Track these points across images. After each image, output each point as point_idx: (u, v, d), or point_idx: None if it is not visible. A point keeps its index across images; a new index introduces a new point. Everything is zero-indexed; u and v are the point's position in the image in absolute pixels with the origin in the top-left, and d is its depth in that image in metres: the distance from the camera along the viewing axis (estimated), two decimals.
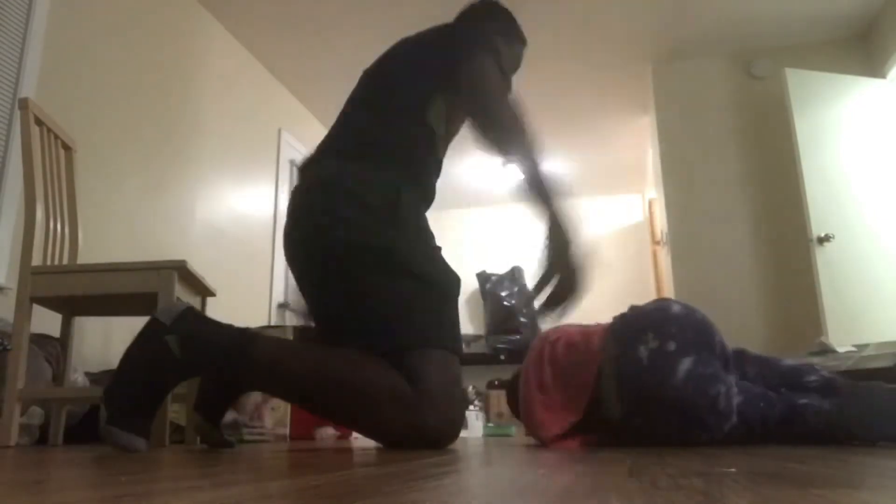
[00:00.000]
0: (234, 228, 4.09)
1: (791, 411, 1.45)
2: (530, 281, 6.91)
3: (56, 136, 2.16)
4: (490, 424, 3.93)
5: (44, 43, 2.74)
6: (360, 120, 1.63)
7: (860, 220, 3.65)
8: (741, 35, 4.26)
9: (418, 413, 1.34)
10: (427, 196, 1.66)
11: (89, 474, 0.75)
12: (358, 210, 1.48)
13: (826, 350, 2.25)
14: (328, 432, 3.01)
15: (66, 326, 2.19)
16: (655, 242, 6.10)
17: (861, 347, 2.25)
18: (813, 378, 1.53)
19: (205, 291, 2.19)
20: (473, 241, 7.30)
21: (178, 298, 1.89)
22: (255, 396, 2.74)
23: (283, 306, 4.57)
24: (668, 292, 4.46)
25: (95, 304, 2.07)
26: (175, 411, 2.35)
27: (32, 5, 2.68)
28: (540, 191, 1.45)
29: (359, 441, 2.58)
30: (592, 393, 1.53)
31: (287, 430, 2.83)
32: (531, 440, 2.10)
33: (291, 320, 4.56)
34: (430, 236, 1.59)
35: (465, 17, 1.84)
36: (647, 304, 1.61)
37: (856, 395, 1.37)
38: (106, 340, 2.96)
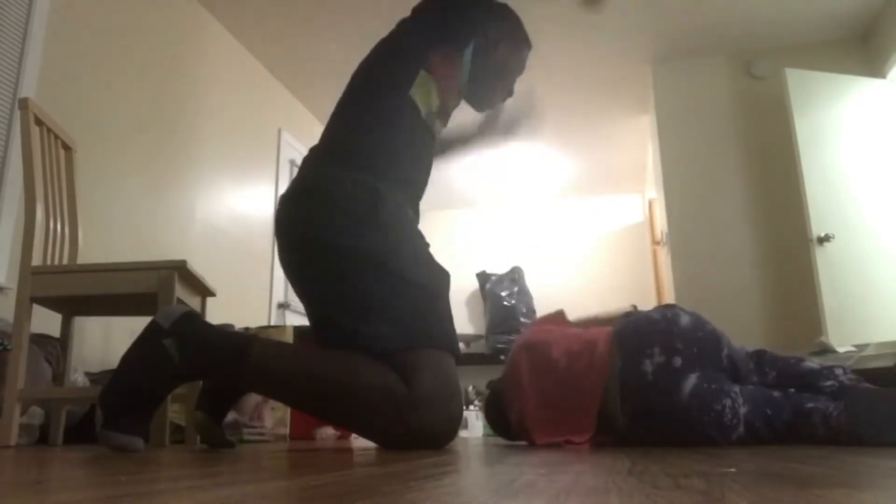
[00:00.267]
0: (234, 228, 4.09)
1: (798, 415, 1.45)
2: (530, 281, 6.91)
3: (56, 136, 2.16)
4: None
5: (44, 43, 2.74)
6: (336, 123, 1.64)
7: (860, 220, 3.65)
8: (741, 35, 4.26)
9: (414, 413, 1.34)
10: (411, 192, 1.64)
11: (89, 474, 0.75)
12: (339, 215, 1.48)
13: (826, 350, 2.25)
14: (328, 432, 3.01)
15: (66, 326, 2.19)
16: (655, 242, 6.10)
17: (861, 347, 2.25)
18: (829, 383, 1.52)
19: (205, 291, 2.19)
20: (473, 241, 7.30)
21: (178, 299, 1.89)
22: (255, 397, 2.74)
23: (283, 306, 4.57)
24: (668, 292, 4.46)
25: (95, 304, 2.07)
26: (175, 411, 2.35)
27: (32, 5, 2.68)
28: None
29: (359, 441, 2.58)
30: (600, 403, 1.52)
31: (287, 430, 2.83)
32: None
33: (291, 320, 4.57)
34: (414, 234, 1.58)
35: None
36: (655, 312, 1.59)
37: (864, 398, 1.36)
38: (106, 340, 2.96)
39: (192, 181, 3.69)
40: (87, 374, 2.57)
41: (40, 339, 2.20)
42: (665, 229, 4.40)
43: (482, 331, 6.75)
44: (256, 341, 1.40)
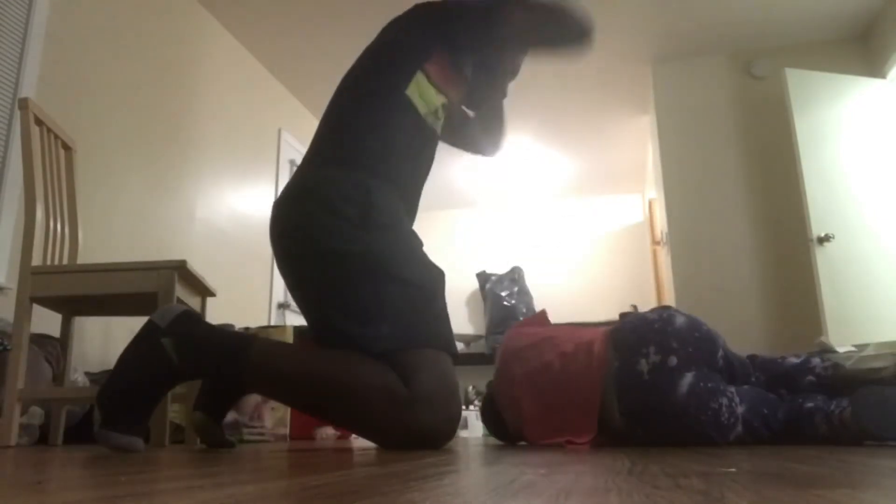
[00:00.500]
0: (234, 228, 4.09)
1: (798, 415, 1.45)
2: (530, 281, 6.91)
3: (56, 136, 2.16)
4: None
5: (44, 43, 2.74)
6: (328, 123, 1.63)
7: (860, 220, 3.65)
8: (741, 35, 4.26)
9: (413, 413, 1.34)
10: (405, 191, 1.63)
11: (89, 474, 0.75)
12: (331, 217, 1.47)
13: (826, 350, 2.24)
14: (328, 432, 3.01)
15: (66, 326, 2.19)
16: (655, 242, 6.10)
17: (861, 347, 2.24)
18: (809, 378, 1.54)
19: (205, 291, 2.19)
20: (473, 241, 7.30)
21: (178, 299, 1.89)
22: (254, 397, 2.74)
23: (283, 306, 4.57)
24: (668, 292, 4.46)
25: (95, 304, 2.07)
26: (175, 411, 2.35)
27: (32, 5, 2.68)
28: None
29: (359, 441, 2.58)
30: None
31: (287, 430, 2.83)
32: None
33: (291, 320, 4.57)
34: (407, 234, 1.57)
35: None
36: (650, 313, 1.59)
37: (871, 396, 1.36)
38: (106, 340, 2.96)
39: (192, 181, 3.69)
40: (87, 374, 2.57)
41: (40, 339, 2.20)
42: (665, 229, 4.40)
43: (482, 331, 6.75)
44: (255, 340, 1.40)
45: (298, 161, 4.93)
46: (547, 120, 5.38)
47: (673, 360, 1.46)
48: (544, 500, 0.48)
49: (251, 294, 4.23)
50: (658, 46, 4.38)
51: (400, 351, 1.40)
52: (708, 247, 4.16)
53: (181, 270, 1.89)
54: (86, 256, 2.79)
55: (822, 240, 3.56)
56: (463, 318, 7.03)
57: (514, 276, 6.68)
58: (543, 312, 1.91)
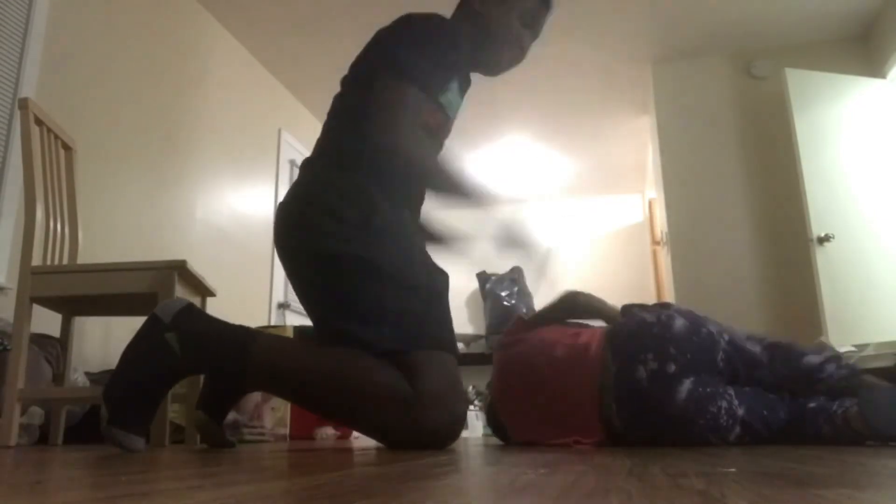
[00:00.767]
0: (234, 228, 4.09)
1: (800, 415, 1.45)
2: (530, 281, 6.91)
3: (56, 136, 2.16)
4: None
5: (44, 43, 2.73)
6: (332, 126, 1.62)
7: (860, 220, 3.65)
8: (741, 35, 4.26)
9: (419, 412, 1.34)
10: (409, 193, 1.62)
11: (89, 474, 0.75)
12: (334, 221, 1.47)
13: (826, 350, 2.24)
14: (328, 432, 3.01)
15: (66, 326, 2.19)
16: (655, 242, 6.10)
17: (861, 347, 2.25)
18: (822, 377, 1.53)
19: (205, 291, 2.19)
20: None
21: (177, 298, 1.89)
22: (255, 396, 2.74)
23: (283, 306, 4.57)
24: (669, 292, 4.46)
25: (95, 304, 2.07)
26: (175, 411, 2.34)
27: (32, 5, 2.68)
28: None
29: (359, 441, 2.58)
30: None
31: (287, 430, 2.83)
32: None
33: (291, 320, 4.57)
34: (411, 236, 1.57)
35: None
36: (649, 314, 1.58)
37: (878, 396, 1.36)
38: (106, 340, 2.96)
39: (192, 181, 3.69)
40: (88, 374, 2.57)
41: (40, 339, 2.20)
42: (665, 229, 4.40)
43: (482, 331, 6.75)
44: (260, 335, 1.40)
45: (298, 161, 4.92)
46: (547, 120, 5.38)
47: (671, 367, 1.45)
48: (544, 500, 0.48)
49: (251, 294, 4.23)
50: (658, 47, 4.38)
51: (402, 352, 1.40)
52: (708, 247, 4.16)
53: (181, 270, 1.89)
54: (86, 256, 2.79)
55: (822, 240, 3.56)
56: (463, 318, 7.03)
57: (514, 276, 6.67)
58: (520, 319, 1.85)
